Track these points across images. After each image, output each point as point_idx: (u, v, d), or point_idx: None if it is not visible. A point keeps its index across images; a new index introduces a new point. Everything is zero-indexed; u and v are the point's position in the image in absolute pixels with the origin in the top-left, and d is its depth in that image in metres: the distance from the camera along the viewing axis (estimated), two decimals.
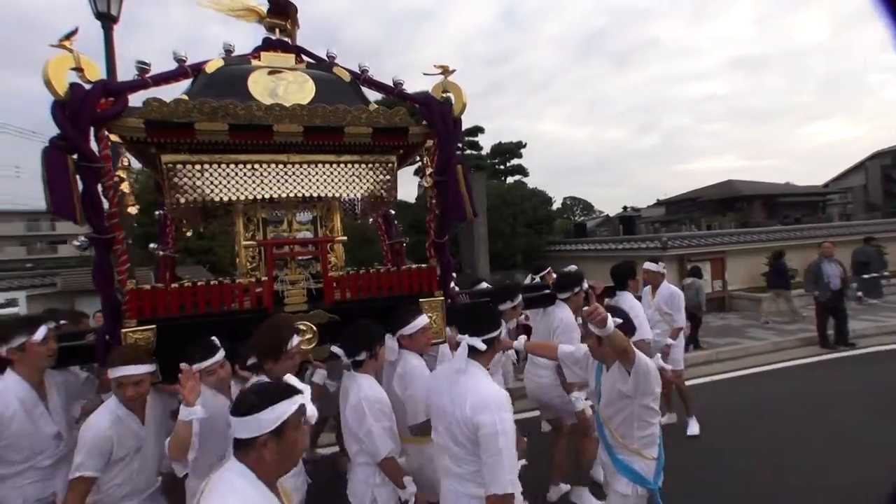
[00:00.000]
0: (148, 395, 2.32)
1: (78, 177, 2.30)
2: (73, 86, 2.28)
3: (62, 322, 3.09)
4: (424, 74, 3.05)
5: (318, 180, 2.93)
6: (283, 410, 1.38)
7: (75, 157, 2.29)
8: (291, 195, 2.88)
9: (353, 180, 3.00)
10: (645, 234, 18.07)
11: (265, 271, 2.83)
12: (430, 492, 2.59)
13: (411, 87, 3.15)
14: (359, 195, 3.04)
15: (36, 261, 26.79)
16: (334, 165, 2.95)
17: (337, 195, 2.98)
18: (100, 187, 2.39)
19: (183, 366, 2.12)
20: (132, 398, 2.20)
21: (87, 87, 2.32)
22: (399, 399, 2.62)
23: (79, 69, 2.32)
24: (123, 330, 2.35)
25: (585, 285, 3.93)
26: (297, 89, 2.98)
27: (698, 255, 11.79)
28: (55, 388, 2.52)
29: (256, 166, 2.80)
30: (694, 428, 4.73)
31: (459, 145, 3.18)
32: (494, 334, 2.08)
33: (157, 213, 3.58)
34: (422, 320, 2.71)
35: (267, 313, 2.63)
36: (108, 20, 5.42)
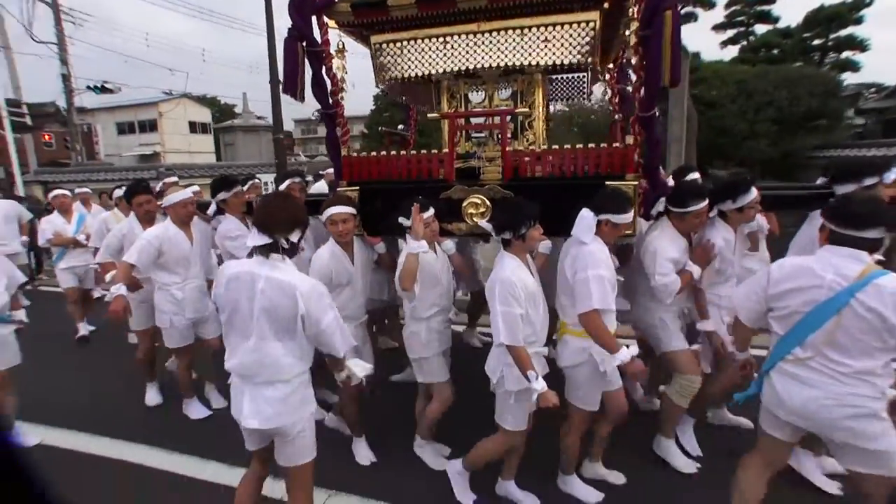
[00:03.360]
0: (356, 243, 2.84)
1: (307, 62, 2.76)
2: None
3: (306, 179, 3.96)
4: None
5: (508, 48, 2.71)
6: None
7: (304, 44, 2.72)
8: (481, 66, 2.77)
9: (546, 46, 2.65)
10: None
11: (466, 146, 2.96)
12: (587, 400, 2.46)
13: None
14: (551, 62, 2.68)
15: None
16: (526, 30, 2.66)
17: (527, 62, 2.70)
18: (324, 70, 2.81)
19: (415, 206, 2.50)
20: (341, 234, 2.71)
21: None
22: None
23: None
24: (338, 189, 2.88)
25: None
26: None
27: None
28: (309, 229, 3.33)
29: (448, 38, 2.77)
30: None
31: None
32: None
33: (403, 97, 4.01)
34: (632, 213, 2.38)
35: (448, 184, 2.76)
36: None
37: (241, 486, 2.10)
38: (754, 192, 2.68)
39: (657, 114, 2.59)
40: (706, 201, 2.62)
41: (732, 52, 18.71)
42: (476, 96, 3.09)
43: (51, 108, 16.98)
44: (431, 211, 2.60)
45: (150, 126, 22.04)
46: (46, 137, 15.49)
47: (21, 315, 3.03)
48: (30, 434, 3.22)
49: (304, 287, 1.83)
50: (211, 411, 3.61)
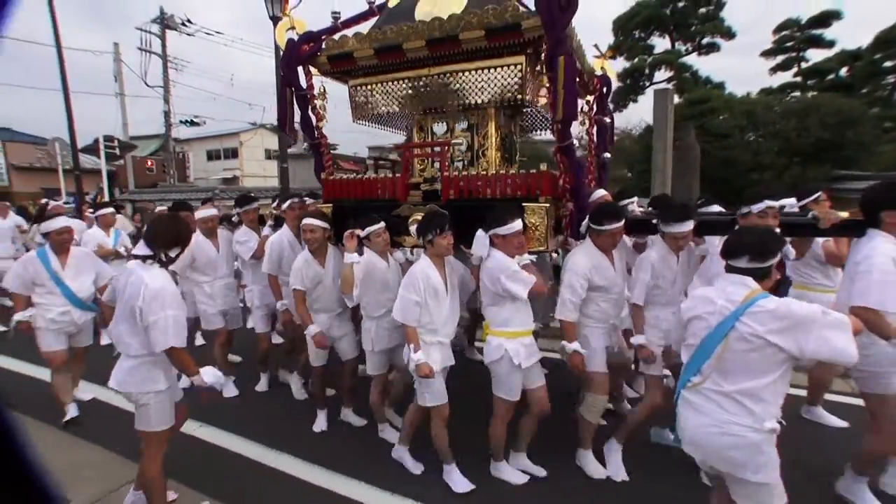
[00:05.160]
0: (329, 250, 3.36)
1: (296, 103, 3.39)
2: (288, 40, 3.28)
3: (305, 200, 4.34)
4: None
5: (453, 88, 3.17)
6: None
7: (293, 89, 3.36)
8: (434, 103, 3.25)
9: (482, 86, 3.09)
10: None
11: (432, 171, 3.38)
12: (508, 391, 2.70)
13: None
14: (489, 99, 3.10)
15: None
16: (466, 73, 3.11)
17: (469, 100, 3.14)
18: (309, 109, 3.43)
19: (347, 232, 2.98)
20: (309, 241, 3.22)
21: (296, 38, 3.28)
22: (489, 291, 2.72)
23: (293, 28, 3.30)
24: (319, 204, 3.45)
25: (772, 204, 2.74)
26: (449, 3, 3.17)
27: None
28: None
29: (406, 81, 3.28)
30: None
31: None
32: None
33: None
34: (517, 224, 2.60)
35: (398, 203, 3.22)
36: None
37: None
38: (682, 227, 2.69)
39: (574, 143, 2.91)
40: (621, 223, 2.77)
41: (783, 77, 17.83)
42: (440, 128, 3.58)
43: (163, 139, 19.84)
44: (382, 224, 3.02)
45: (233, 153, 24.81)
46: (149, 163, 18.01)
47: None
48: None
49: (152, 286, 2.18)
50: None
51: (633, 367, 3.47)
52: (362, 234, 3.02)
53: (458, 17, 2.85)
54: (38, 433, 3.36)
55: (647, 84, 17.28)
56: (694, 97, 13.24)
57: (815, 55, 17.35)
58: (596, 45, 4.24)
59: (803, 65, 17.37)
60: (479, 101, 3.17)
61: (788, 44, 17.43)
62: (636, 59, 16.93)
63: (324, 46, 3.34)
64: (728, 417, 1.76)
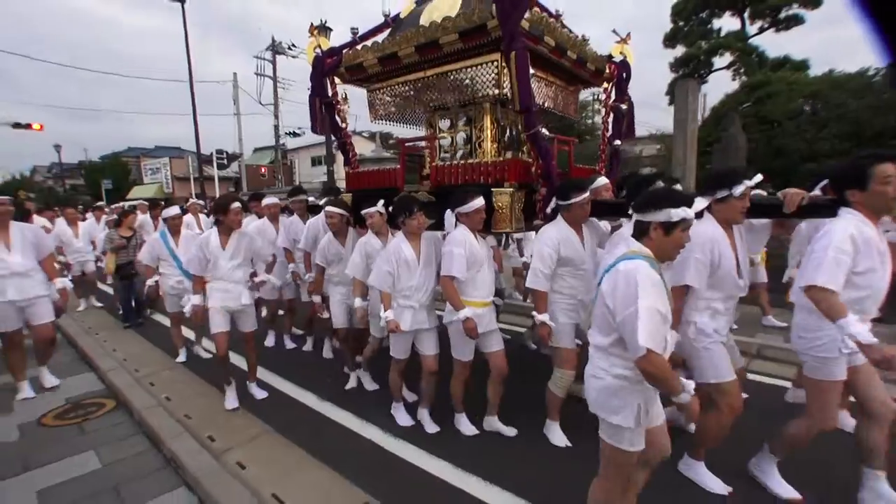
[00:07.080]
0: (349, 232, 3.95)
1: (324, 109, 4.02)
2: (315, 56, 3.92)
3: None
4: None
5: (445, 87, 3.54)
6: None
7: (320, 98, 3.99)
8: (433, 101, 3.65)
9: (468, 83, 3.41)
10: None
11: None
12: (461, 354, 3.03)
13: None
14: (474, 96, 3.42)
15: None
16: (455, 72, 3.45)
17: (455, 97, 3.49)
18: (336, 114, 4.04)
19: None
20: (330, 225, 3.85)
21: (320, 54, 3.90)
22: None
23: (319, 47, 3.93)
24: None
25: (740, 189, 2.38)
26: (447, 8, 3.51)
27: None
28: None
29: (408, 84, 3.73)
30: None
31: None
32: None
33: None
34: (477, 202, 2.88)
35: (398, 191, 3.68)
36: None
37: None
38: None
39: (541, 130, 3.10)
40: (586, 194, 2.90)
41: None
42: (444, 123, 3.97)
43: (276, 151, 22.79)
44: (375, 207, 3.50)
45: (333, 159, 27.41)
46: (262, 170, 20.69)
47: None
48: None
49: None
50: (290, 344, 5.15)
51: None
52: (365, 211, 3.55)
53: (436, 24, 3.21)
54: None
55: (706, 72, 15.40)
56: (752, 82, 11.75)
57: None
58: (615, 31, 4.27)
59: None
60: (470, 98, 3.48)
61: None
62: (693, 46, 15.23)
63: (343, 59, 3.92)
64: (597, 363, 1.89)
